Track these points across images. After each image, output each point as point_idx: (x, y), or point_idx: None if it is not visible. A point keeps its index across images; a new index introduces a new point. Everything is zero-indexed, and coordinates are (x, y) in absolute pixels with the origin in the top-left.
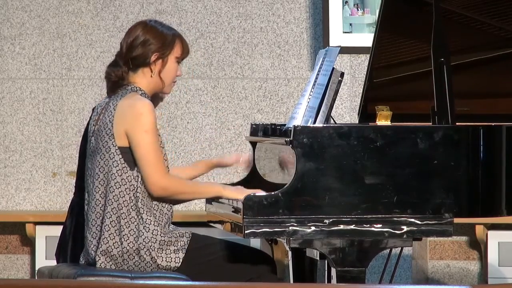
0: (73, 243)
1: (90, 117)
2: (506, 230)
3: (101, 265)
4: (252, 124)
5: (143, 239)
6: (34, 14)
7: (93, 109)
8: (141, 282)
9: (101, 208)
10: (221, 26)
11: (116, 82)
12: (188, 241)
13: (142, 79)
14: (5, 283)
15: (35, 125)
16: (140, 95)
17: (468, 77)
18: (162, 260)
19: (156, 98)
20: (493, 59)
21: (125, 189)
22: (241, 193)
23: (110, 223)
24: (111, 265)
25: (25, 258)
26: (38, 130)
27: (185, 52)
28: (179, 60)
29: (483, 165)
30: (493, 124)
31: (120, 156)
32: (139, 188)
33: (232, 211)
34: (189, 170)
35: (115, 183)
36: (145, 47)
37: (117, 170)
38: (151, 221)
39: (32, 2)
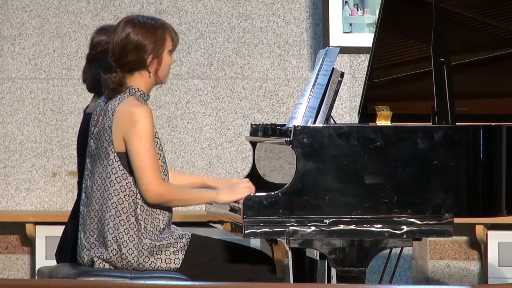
0: (73, 246)
1: (82, 120)
2: (506, 230)
3: (100, 265)
4: (252, 124)
5: (142, 246)
6: (34, 14)
7: (84, 112)
8: (141, 282)
9: (96, 214)
10: (221, 26)
11: (115, 89)
12: (188, 242)
13: (140, 80)
14: (5, 283)
15: (35, 125)
16: (139, 96)
17: (468, 77)
18: (162, 262)
19: None
20: (493, 59)
21: (124, 195)
22: (235, 195)
23: (108, 230)
24: (110, 267)
25: (25, 258)
26: (38, 130)
27: (176, 41)
28: (172, 51)
29: (483, 165)
30: (493, 124)
31: (119, 162)
32: (138, 194)
33: (232, 211)
34: (182, 180)
35: (114, 190)
36: (139, 51)
37: (116, 177)
38: (150, 227)
39: (32, 2)
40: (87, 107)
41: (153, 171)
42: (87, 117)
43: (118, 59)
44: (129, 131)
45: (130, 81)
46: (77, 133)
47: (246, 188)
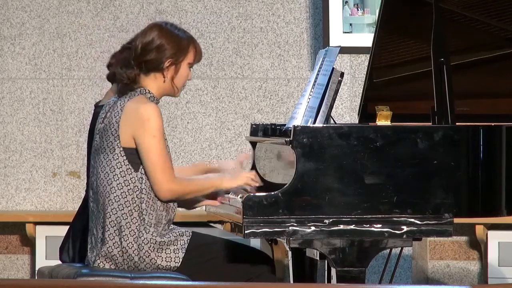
0: (82, 242)
1: (93, 115)
2: (506, 230)
3: (100, 265)
4: (252, 124)
5: (143, 240)
6: (34, 14)
7: (95, 106)
8: (141, 282)
9: (101, 208)
10: (221, 26)
11: (128, 85)
12: (188, 240)
13: (154, 83)
14: (5, 283)
15: (35, 125)
16: (149, 98)
17: (468, 77)
18: (162, 260)
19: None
20: (493, 59)
21: (128, 190)
22: (235, 181)
23: (110, 223)
24: (110, 265)
25: (25, 258)
26: (38, 130)
27: (198, 57)
28: (192, 65)
29: (483, 165)
30: (493, 124)
31: (125, 157)
32: (143, 189)
33: (233, 212)
34: (188, 171)
35: (117, 184)
36: (159, 52)
37: (120, 172)
38: (152, 222)
39: (32, 2)
40: (100, 101)
41: (164, 169)
42: (98, 110)
43: (137, 57)
44: (140, 130)
45: (144, 81)
46: (88, 130)
47: (248, 177)
